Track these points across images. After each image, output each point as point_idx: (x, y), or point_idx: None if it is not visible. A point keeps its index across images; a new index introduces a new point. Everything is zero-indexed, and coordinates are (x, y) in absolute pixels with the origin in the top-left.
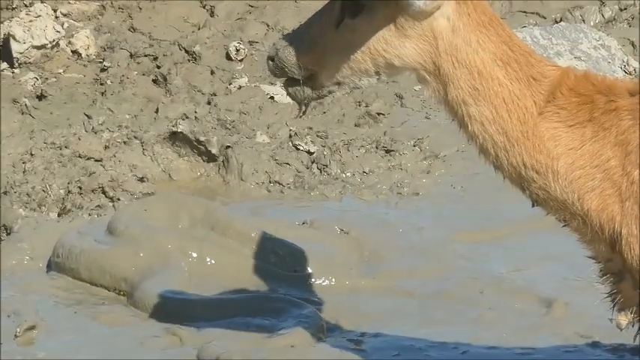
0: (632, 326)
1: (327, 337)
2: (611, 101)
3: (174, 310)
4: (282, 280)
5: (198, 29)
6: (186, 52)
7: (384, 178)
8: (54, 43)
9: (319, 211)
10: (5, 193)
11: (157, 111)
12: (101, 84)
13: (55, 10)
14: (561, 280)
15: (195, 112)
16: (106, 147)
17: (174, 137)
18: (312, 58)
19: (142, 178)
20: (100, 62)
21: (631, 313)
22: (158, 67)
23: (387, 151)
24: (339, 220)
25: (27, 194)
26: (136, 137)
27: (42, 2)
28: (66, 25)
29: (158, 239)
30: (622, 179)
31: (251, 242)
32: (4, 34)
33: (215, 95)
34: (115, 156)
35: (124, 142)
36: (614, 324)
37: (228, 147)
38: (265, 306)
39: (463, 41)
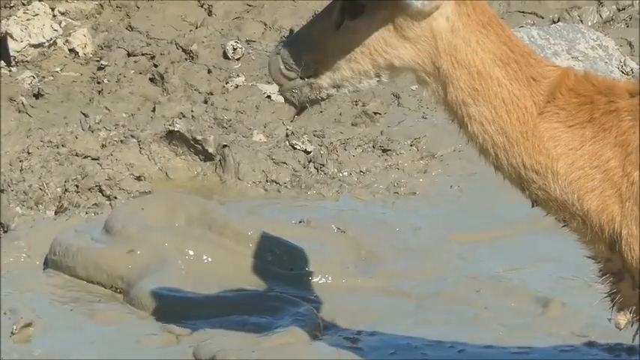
0: (631, 326)
1: (323, 336)
2: (612, 102)
3: (171, 308)
4: (278, 279)
5: (196, 28)
6: (184, 51)
7: (380, 178)
8: (51, 41)
9: (316, 210)
10: (2, 191)
11: (153, 110)
12: (98, 82)
13: (52, 9)
14: (558, 279)
15: (192, 111)
16: (103, 145)
17: (171, 136)
18: (314, 59)
19: (139, 176)
20: (98, 61)
21: (630, 313)
22: (155, 66)
23: (384, 151)
24: (336, 219)
25: (24, 192)
26: (132, 136)
27: (39, 1)
28: (63, 23)
29: (155, 238)
30: (622, 180)
31: (248, 241)
32: (2, 33)
33: (212, 94)
34: (111, 154)
35: (121, 141)
36: (613, 324)
37: (225, 146)
38: (262, 304)
39: (462, 41)
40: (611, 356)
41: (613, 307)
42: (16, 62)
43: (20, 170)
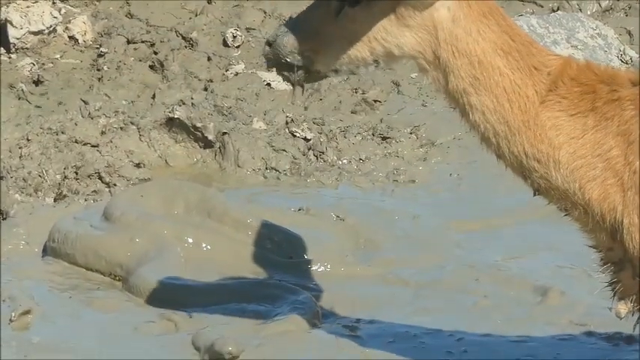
0: (632, 315)
1: (322, 324)
2: (614, 91)
3: (170, 295)
4: (277, 267)
5: (196, 16)
6: (183, 38)
7: (380, 166)
8: (51, 28)
9: (315, 197)
10: (1, 178)
11: (153, 97)
12: (98, 70)
13: None
14: (557, 268)
15: (192, 98)
16: (103, 133)
17: (171, 123)
18: (312, 46)
19: (139, 163)
20: (97, 48)
21: (630, 302)
22: (155, 54)
23: (384, 139)
24: (335, 207)
25: (23, 179)
26: (132, 123)
27: None
28: (63, 10)
29: (154, 225)
30: (624, 169)
31: (247, 228)
32: (1, 20)
33: (212, 82)
34: (111, 142)
35: (121, 128)
36: (613, 313)
37: (224, 133)
38: (261, 292)
39: (463, 31)
40: (610, 345)
41: (614, 296)
42: (16, 49)
43: (20, 157)
